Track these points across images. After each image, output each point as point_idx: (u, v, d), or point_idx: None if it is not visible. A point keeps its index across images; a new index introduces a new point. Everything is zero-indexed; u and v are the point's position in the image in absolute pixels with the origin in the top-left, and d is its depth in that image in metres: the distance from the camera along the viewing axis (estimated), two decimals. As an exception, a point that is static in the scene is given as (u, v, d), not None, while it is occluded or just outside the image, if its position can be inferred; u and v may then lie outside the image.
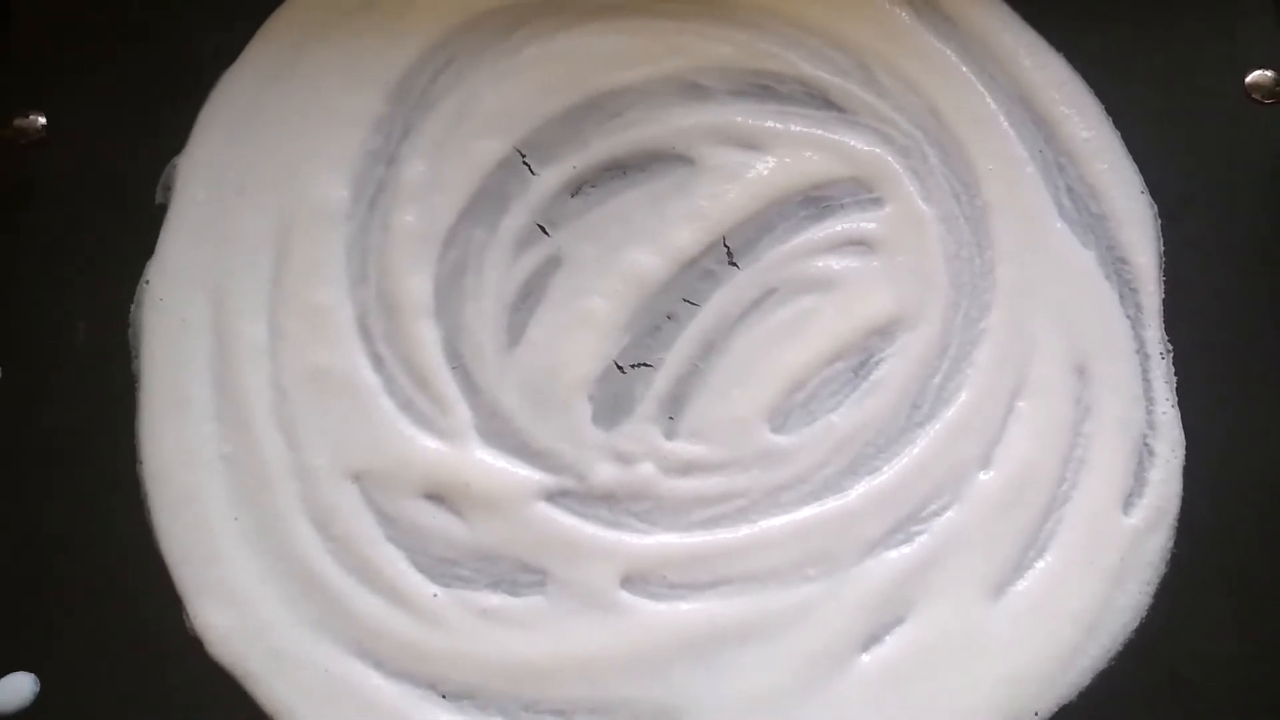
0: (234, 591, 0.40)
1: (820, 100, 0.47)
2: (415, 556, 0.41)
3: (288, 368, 0.43)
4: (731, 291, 0.45)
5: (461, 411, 0.42)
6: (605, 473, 0.42)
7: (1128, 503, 0.42)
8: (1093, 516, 0.41)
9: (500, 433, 0.42)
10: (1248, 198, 0.46)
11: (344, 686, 0.39)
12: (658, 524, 0.41)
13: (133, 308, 0.43)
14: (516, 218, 0.45)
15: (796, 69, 0.48)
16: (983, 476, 0.42)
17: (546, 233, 0.45)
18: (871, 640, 0.40)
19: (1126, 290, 0.45)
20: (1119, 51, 0.48)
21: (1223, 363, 0.44)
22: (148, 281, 0.44)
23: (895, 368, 0.44)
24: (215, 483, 0.41)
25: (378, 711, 0.39)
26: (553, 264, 0.45)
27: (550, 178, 0.46)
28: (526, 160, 0.46)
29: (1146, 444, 0.43)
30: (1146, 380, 0.43)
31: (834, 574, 0.41)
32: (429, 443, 0.42)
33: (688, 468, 0.42)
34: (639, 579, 0.41)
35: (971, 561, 0.41)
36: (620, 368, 0.44)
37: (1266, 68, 0.48)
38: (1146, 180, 0.46)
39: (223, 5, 0.48)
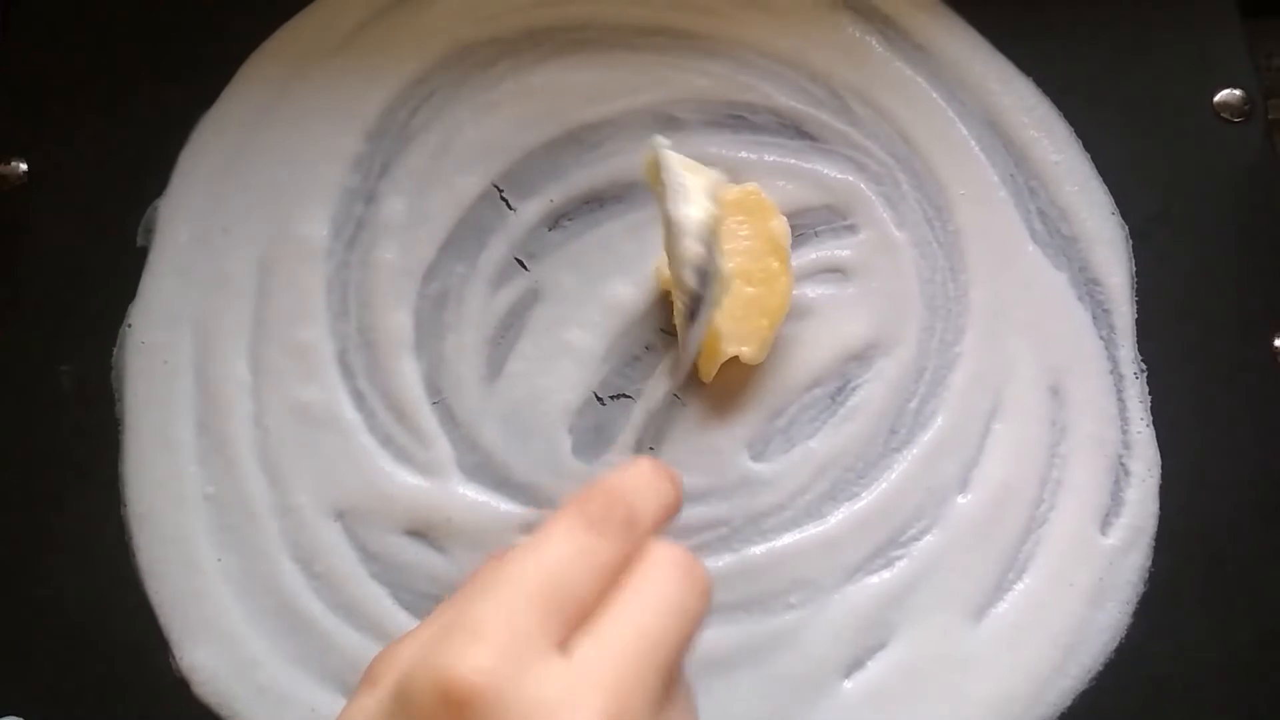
0: (219, 631, 0.40)
1: (793, 130, 0.48)
2: (398, 593, 0.41)
3: (270, 406, 0.43)
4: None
5: (442, 446, 0.43)
6: (586, 504, 0.42)
7: (1105, 522, 0.42)
8: (1071, 537, 0.42)
9: (481, 466, 0.43)
10: (1218, 216, 0.47)
11: (330, 724, 0.39)
12: (640, 554, 0.42)
13: (115, 350, 0.44)
14: (495, 251, 0.46)
15: (770, 100, 0.48)
16: (961, 500, 0.42)
17: (525, 266, 0.46)
18: (854, 665, 0.40)
19: (1099, 311, 0.45)
20: (1087, 74, 0.49)
21: (1196, 381, 0.44)
22: (130, 324, 0.44)
23: (872, 393, 0.44)
24: (199, 523, 0.41)
25: (364, 748, 0.39)
26: (532, 297, 0.45)
27: (529, 211, 0.46)
28: (504, 195, 0.47)
29: (1122, 463, 0.43)
30: (1121, 400, 0.44)
31: (815, 600, 0.41)
32: (410, 479, 0.42)
33: (668, 497, 0.42)
34: (622, 610, 0.41)
35: (952, 585, 0.41)
36: (600, 399, 0.44)
37: (1234, 86, 0.49)
38: (1117, 201, 0.47)
39: (200, 48, 0.48)
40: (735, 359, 0.42)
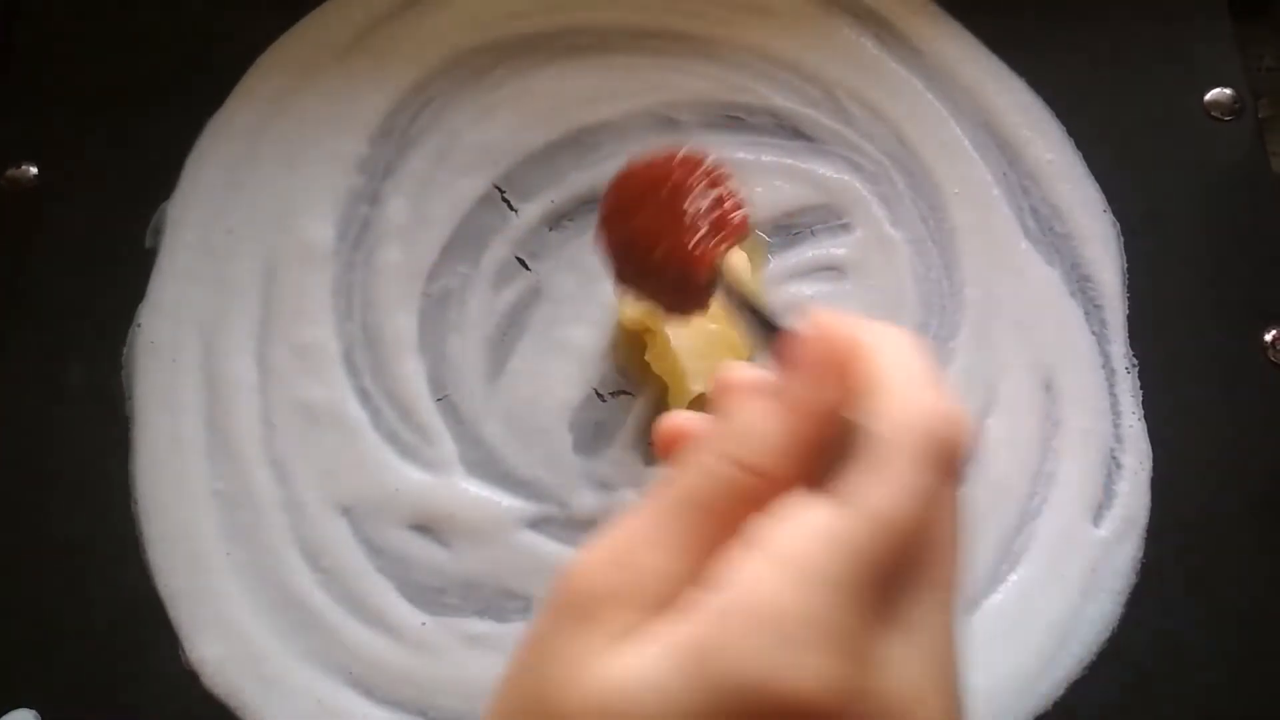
0: (228, 624, 0.41)
1: (790, 131, 0.49)
2: (403, 586, 0.41)
3: (277, 404, 0.44)
4: (708, 318, 0.46)
5: (446, 443, 0.43)
6: (587, 499, 0.43)
7: (1097, 514, 0.43)
8: (1063, 529, 0.43)
9: (484, 463, 0.43)
10: (1209, 214, 0.47)
11: (336, 715, 0.40)
12: (640, 548, 0.42)
13: (125, 350, 0.45)
14: (497, 252, 0.47)
15: (767, 101, 0.49)
16: (955, 493, 0.43)
17: (527, 266, 0.46)
18: (851, 656, 0.41)
19: (1091, 307, 0.46)
20: (1080, 74, 0.50)
21: (1187, 376, 0.45)
22: (139, 324, 0.45)
23: (868, 389, 0.45)
24: (208, 519, 0.42)
25: (370, 738, 0.40)
26: (533, 296, 0.46)
27: (529, 212, 0.47)
28: (506, 196, 0.47)
29: (1114, 457, 0.44)
30: (1113, 394, 0.45)
31: (813, 592, 0.41)
32: (415, 474, 0.43)
33: (668, 492, 0.43)
34: (622, 602, 0.41)
35: (946, 576, 0.42)
36: (600, 395, 0.45)
37: (1224, 86, 0.49)
38: (1108, 199, 0.47)
39: (207, 54, 0.49)
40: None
